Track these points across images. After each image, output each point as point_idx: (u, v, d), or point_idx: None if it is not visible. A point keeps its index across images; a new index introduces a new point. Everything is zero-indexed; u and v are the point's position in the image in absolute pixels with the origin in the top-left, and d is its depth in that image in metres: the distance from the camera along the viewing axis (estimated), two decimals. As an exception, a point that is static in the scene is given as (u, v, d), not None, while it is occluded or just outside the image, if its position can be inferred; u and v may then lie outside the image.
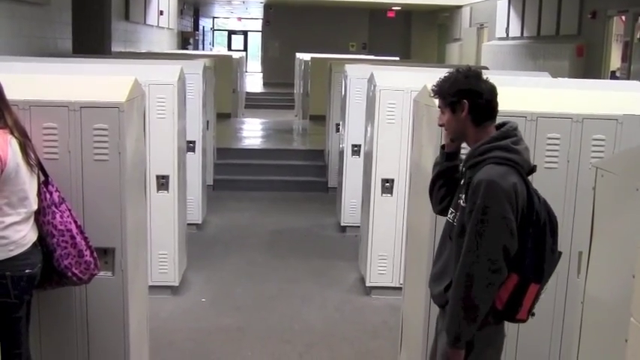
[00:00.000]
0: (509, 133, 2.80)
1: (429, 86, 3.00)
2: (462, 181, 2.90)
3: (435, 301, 3.01)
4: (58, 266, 3.25)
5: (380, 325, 5.42)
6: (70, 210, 3.31)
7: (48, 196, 3.23)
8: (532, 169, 2.82)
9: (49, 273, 3.28)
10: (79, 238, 3.27)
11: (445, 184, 3.04)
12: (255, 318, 5.51)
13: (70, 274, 3.27)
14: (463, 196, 2.81)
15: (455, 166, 3.01)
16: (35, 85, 3.70)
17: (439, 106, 2.93)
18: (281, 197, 9.68)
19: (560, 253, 2.87)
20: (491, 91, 2.82)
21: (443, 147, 3.04)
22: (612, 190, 2.36)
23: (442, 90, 2.86)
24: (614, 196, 2.36)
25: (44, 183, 3.25)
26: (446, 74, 2.89)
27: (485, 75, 2.89)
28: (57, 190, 3.28)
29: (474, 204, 2.68)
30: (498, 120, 2.88)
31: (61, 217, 3.24)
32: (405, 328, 4.32)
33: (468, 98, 2.79)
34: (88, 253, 3.30)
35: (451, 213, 2.95)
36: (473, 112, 2.81)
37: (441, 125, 2.95)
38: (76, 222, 3.31)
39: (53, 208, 3.23)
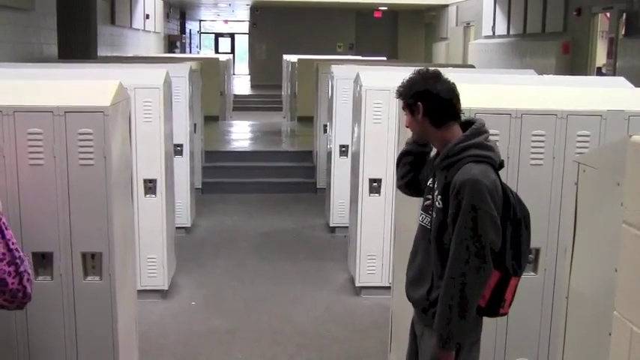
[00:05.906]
0: (480, 129, 2.79)
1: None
2: (434, 183, 2.87)
3: (416, 305, 2.94)
4: None
5: (370, 325, 5.42)
6: None
7: None
8: (501, 164, 2.82)
9: None
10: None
11: (411, 162, 3.06)
12: (245, 320, 5.50)
13: None
14: (439, 197, 2.78)
15: (424, 152, 3.03)
16: (19, 90, 3.69)
17: (402, 108, 2.93)
18: (270, 199, 9.67)
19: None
20: (450, 90, 2.80)
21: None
22: (594, 184, 2.37)
23: (401, 92, 2.88)
24: (595, 191, 2.37)
25: None
26: (410, 76, 2.88)
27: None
28: None
29: (460, 204, 2.65)
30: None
31: None
32: (394, 327, 4.32)
33: (422, 100, 2.79)
34: (15, 281, 2.88)
35: (422, 216, 2.93)
36: (430, 113, 2.80)
37: (407, 127, 2.96)
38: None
39: None
